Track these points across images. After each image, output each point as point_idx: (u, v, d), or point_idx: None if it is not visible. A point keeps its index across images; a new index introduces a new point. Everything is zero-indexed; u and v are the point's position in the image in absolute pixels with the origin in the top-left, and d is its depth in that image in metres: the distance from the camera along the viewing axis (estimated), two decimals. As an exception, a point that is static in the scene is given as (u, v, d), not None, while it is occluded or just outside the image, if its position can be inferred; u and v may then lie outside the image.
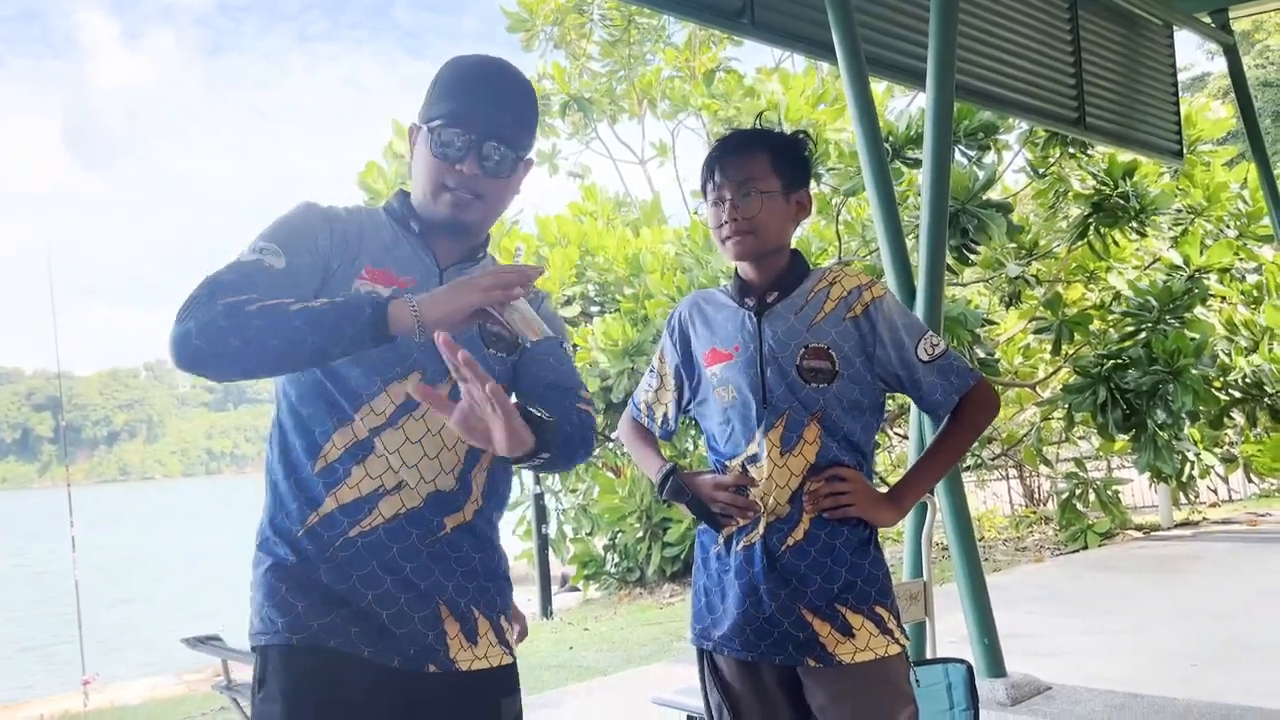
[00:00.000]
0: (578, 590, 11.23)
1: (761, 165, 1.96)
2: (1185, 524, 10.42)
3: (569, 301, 11.91)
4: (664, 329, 2.17)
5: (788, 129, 9.75)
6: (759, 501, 1.94)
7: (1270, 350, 9.30)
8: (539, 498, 11.05)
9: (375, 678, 1.52)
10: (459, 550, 1.60)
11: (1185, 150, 7.65)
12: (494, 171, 1.61)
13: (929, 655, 3.50)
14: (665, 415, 2.17)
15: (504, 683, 1.65)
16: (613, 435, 12.59)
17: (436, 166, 1.60)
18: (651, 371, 2.21)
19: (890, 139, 7.71)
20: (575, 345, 11.21)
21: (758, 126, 2.07)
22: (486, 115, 1.59)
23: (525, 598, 10.45)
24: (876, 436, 2.06)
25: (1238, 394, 9.26)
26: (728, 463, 2.00)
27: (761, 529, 1.94)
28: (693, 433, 9.36)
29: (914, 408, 2.89)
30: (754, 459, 1.96)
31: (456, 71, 1.64)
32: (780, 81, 11.19)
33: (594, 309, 12.25)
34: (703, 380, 2.07)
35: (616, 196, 14.61)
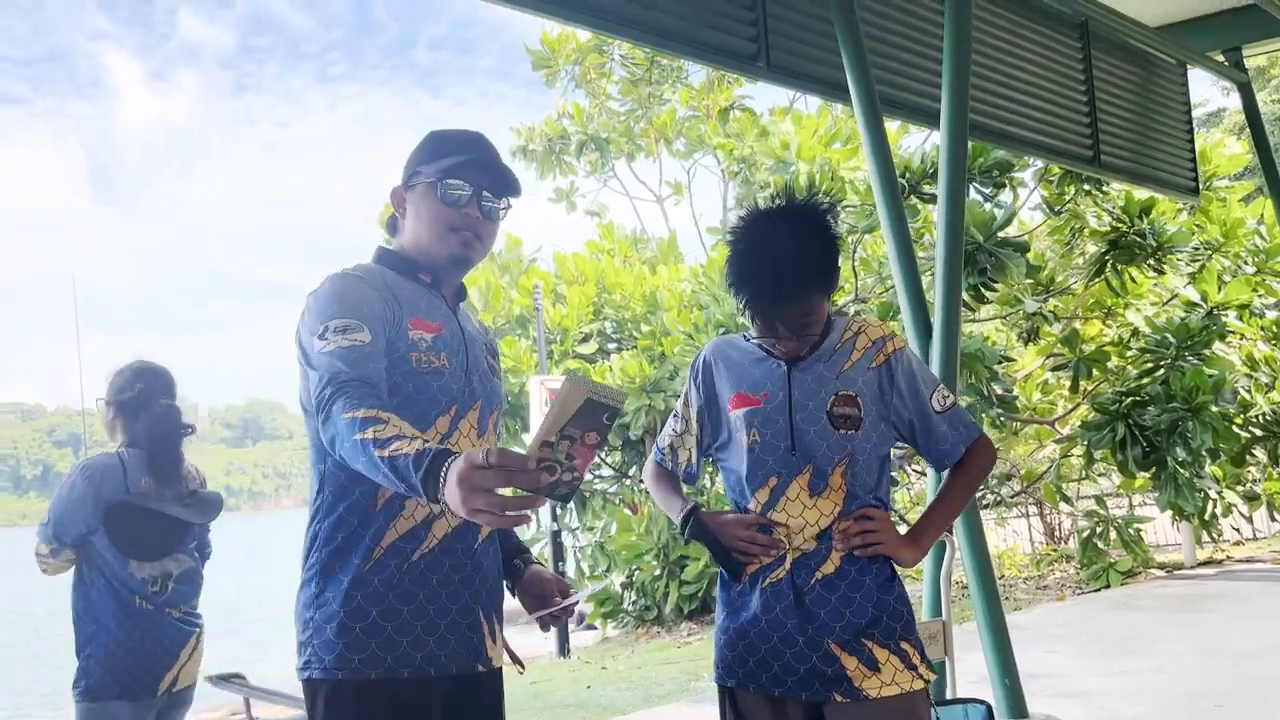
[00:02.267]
0: (595, 629, 11.17)
1: (819, 304, 1.98)
2: (1208, 562, 10.30)
3: (586, 339, 11.97)
4: (688, 373, 2.20)
5: (802, 167, 9.79)
6: (784, 540, 1.97)
7: (1291, 387, 9.23)
8: (556, 535, 11.03)
9: (436, 688, 1.74)
10: (488, 557, 1.86)
11: (1201, 187, 7.66)
12: (490, 215, 1.90)
13: (949, 695, 3.48)
14: (688, 460, 2.19)
15: (501, 684, 1.90)
16: (630, 474, 12.58)
17: (444, 213, 1.85)
18: (676, 416, 2.23)
19: (906, 175, 7.76)
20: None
21: (781, 198, 2.02)
22: (481, 170, 1.88)
23: (543, 636, 10.40)
24: (895, 475, 2.09)
25: (1259, 431, 9.17)
26: (750, 508, 2.03)
27: (788, 565, 1.97)
28: (709, 469, 9.34)
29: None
30: (771, 504, 1.99)
31: (445, 139, 1.92)
32: (793, 121, 11.29)
33: (611, 346, 12.31)
34: (727, 423, 2.09)
35: (633, 234, 14.73)
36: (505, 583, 1.98)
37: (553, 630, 2.06)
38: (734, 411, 2.06)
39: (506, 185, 1.91)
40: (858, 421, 1.98)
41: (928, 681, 1.94)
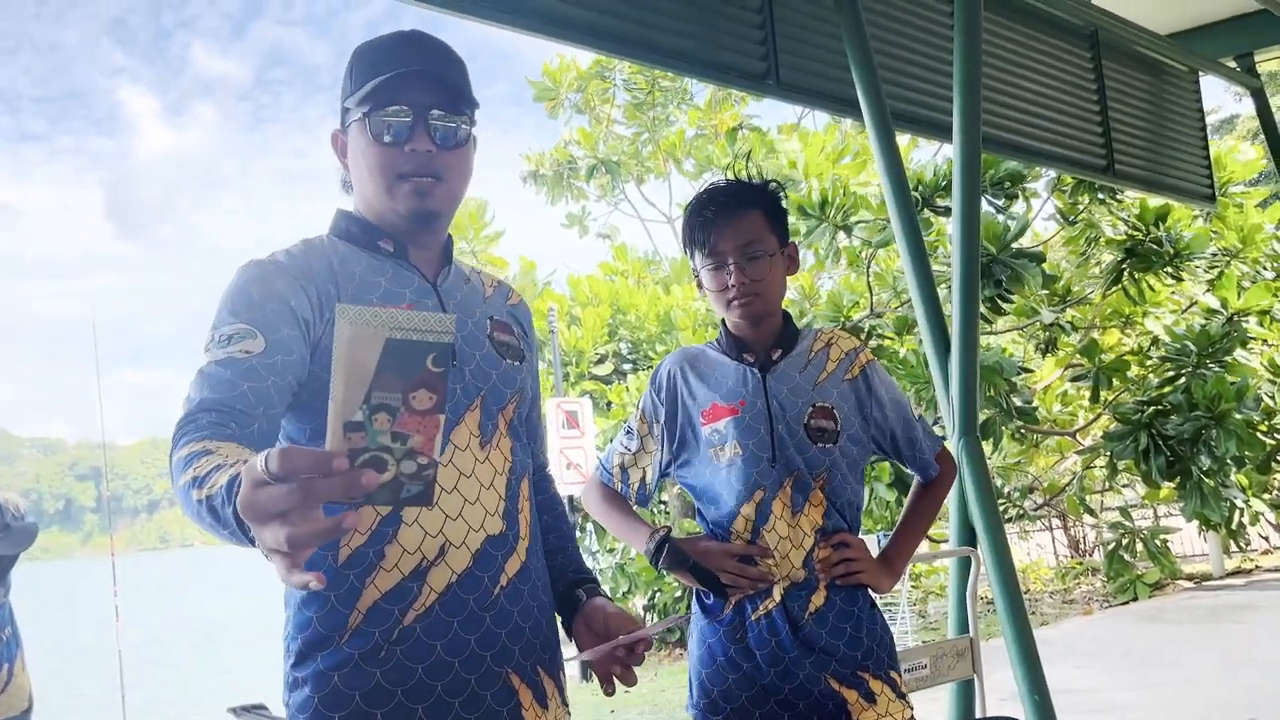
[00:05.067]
0: (617, 651, 11.09)
1: (759, 224, 1.92)
2: (1237, 572, 10.18)
3: (601, 360, 11.98)
4: (648, 388, 2.05)
5: (812, 184, 9.81)
6: (773, 569, 1.89)
7: (1315, 392, 9.12)
8: (576, 558, 10.99)
9: None
10: (518, 602, 1.42)
11: (1217, 193, 7.61)
12: (447, 141, 1.42)
13: (978, 713, 3.44)
14: (642, 479, 2.05)
15: None
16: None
17: (383, 155, 1.41)
18: (629, 434, 2.06)
19: (919, 188, 7.74)
20: (609, 402, 11.23)
21: (736, 176, 2.02)
22: (422, 83, 1.41)
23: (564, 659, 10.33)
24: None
25: (1284, 437, 9.08)
26: (729, 525, 1.92)
27: (778, 595, 1.89)
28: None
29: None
30: (761, 520, 1.89)
31: (370, 53, 1.44)
32: (800, 139, 11.30)
33: (626, 366, 12.31)
34: (697, 439, 1.96)
35: (646, 255, 14.77)
36: (559, 618, 1.59)
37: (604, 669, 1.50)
38: (708, 425, 1.94)
39: (461, 96, 1.43)
40: (835, 435, 1.91)
41: (912, 709, 1.92)
